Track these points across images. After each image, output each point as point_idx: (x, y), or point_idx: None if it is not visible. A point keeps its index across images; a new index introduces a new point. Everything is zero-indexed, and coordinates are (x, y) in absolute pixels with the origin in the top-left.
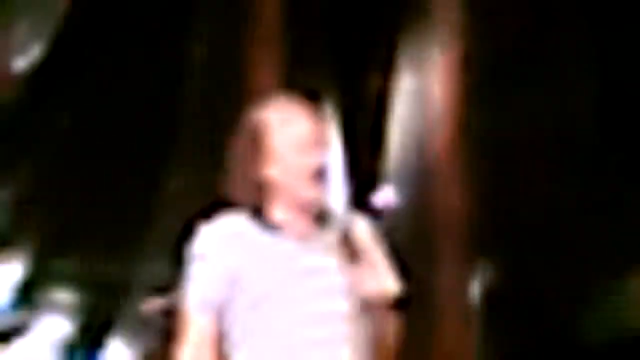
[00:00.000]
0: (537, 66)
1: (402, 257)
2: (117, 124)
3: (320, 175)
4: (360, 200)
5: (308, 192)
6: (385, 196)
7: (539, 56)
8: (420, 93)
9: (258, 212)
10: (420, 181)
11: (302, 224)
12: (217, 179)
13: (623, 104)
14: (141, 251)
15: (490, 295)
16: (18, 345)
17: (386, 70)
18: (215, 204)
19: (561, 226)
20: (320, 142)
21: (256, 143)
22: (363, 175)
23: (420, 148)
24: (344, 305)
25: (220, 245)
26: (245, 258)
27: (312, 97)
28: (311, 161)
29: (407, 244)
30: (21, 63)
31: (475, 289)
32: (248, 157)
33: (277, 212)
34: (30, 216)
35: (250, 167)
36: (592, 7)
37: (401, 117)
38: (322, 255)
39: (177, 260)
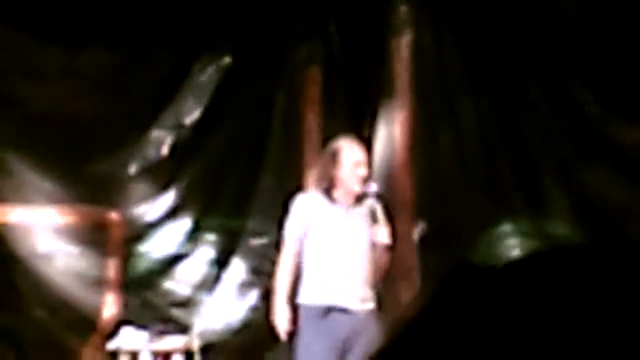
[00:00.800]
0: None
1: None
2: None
3: (362, 179)
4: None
5: (356, 187)
6: (373, 187)
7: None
8: (388, 136)
9: (327, 193)
10: (388, 181)
11: (349, 201)
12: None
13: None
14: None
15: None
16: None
17: (372, 123)
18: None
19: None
20: (363, 163)
21: (334, 157)
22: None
23: (389, 167)
24: (365, 246)
25: (306, 204)
26: (318, 213)
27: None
28: (359, 172)
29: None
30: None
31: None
32: (329, 164)
33: (337, 194)
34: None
35: (328, 169)
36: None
37: (379, 150)
38: (358, 219)
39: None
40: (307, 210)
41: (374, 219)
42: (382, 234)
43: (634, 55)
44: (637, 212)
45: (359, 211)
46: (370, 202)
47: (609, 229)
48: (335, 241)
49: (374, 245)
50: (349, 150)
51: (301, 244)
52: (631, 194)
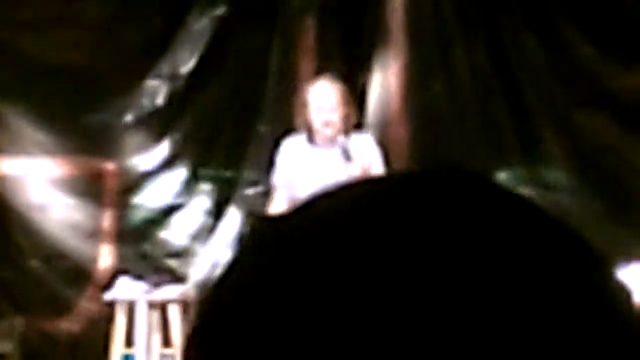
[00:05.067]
0: None
1: None
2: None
3: (325, 123)
4: None
5: (323, 130)
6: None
7: None
8: (383, 84)
9: (309, 136)
10: (383, 128)
11: (330, 143)
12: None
13: None
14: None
15: None
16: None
17: (367, 71)
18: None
19: None
20: (329, 108)
21: (303, 101)
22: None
23: (384, 115)
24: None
25: (288, 149)
26: (299, 157)
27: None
28: (322, 116)
29: None
30: None
31: None
32: (301, 107)
33: (317, 136)
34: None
35: (302, 112)
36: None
37: (374, 98)
38: (335, 160)
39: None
40: (289, 155)
41: (347, 156)
42: (354, 169)
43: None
44: (631, 157)
45: (335, 152)
46: (342, 140)
47: (603, 174)
48: (314, 184)
49: None
50: (314, 93)
51: (291, 189)
52: (625, 139)
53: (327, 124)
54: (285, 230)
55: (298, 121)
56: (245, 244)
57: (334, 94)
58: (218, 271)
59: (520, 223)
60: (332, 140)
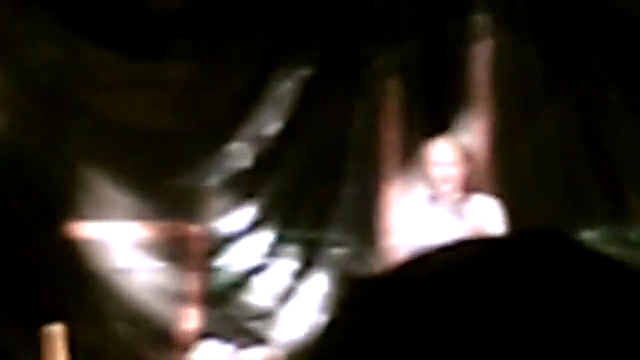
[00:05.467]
0: None
1: None
2: None
3: (444, 179)
4: None
5: (441, 186)
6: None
7: None
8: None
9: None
10: None
11: (452, 200)
12: None
13: None
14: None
15: None
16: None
17: (452, 133)
18: None
19: None
20: (446, 163)
21: (423, 158)
22: None
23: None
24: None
25: (413, 208)
26: (422, 214)
27: None
28: (440, 171)
29: None
30: None
31: None
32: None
33: (437, 194)
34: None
35: (424, 170)
36: None
37: None
38: (455, 216)
39: None
40: (409, 213)
41: (459, 215)
42: (465, 228)
43: None
44: None
45: (451, 210)
46: (457, 198)
47: None
48: (430, 241)
49: None
50: (434, 149)
51: (410, 247)
52: None
53: (445, 180)
54: (383, 291)
55: (420, 178)
56: (344, 305)
57: (453, 150)
58: (302, 333)
59: (612, 284)
60: (450, 198)
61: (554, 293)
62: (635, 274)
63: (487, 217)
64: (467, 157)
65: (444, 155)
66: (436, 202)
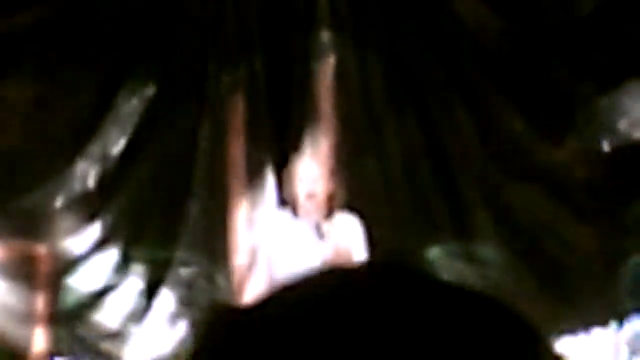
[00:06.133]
0: None
1: None
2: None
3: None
4: None
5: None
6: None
7: None
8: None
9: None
10: None
11: (316, 216)
12: None
13: None
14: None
15: None
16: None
17: (297, 150)
18: None
19: None
20: (310, 179)
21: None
22: None
23: None
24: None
25: (273, 223)
26: (283, 231)
27: None
28: (303, 188)
29: None
30: None
31: None
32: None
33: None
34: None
35: (284, 186)
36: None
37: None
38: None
39: None
40: (271, 229)
41: (320, 234)
42: (326, 249)
43: (560, 74)
44: (564, 232)
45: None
46: (317, 217)
47: (534, 249)
48: (291, 257)
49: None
50: (299, 166)
51: (270, 263)
52: (556, 213)
53: (310, 196)
54: (238, 334)
55: (284, 193)
56: (207, 337)
57: (317, 168)
58: (152, 352)
59: (455, 308)
60: (313, 215)
61: (389, 324)
62: (481, 296)
63: (348, 236)
64: (331, 173)
65: (309, 171)
66: (297, 219)
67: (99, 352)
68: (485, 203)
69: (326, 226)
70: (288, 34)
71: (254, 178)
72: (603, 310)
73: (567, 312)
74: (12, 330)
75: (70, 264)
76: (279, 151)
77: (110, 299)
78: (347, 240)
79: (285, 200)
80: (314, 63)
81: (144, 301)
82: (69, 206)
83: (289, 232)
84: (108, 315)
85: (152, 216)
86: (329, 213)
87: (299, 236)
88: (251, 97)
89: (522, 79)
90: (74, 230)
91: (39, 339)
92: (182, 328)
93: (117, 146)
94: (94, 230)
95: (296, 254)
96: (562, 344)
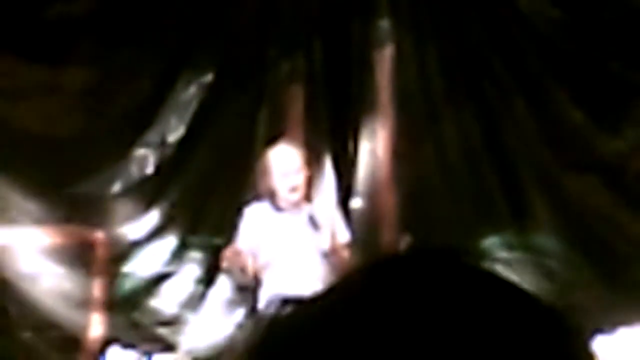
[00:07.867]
0: None
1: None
2: None
3: (292, 188)
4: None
5: (288, 196)
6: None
7: None
8: (372, 151)
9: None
10: (371, 195)
11: (295, 209)
12: None
13: None
14: None
15: None
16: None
17: (355, 139)
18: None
19: None
20: (292, 172)
21: (264, 168)
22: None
23: (372, 181)
24: (309, 252)
25: (252, 216)
26: (264, 224)
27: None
28: (288, 182)
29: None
30: None
31: None
32: (261, 175)
33: (281, 202)
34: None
35: (263, 181)
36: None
37: (362, 165)
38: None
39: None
40: (253, 221)
41: (314, 225)
42: (322, 237)
43: (617, 65)
44: (621, 222)
45: (302, 217)
46: (308, 208)
47: (592, 239)
48: (280, 249)
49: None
50: (276, 158)
51: (255, 255)
52: (614, 203)
53: (293, 189)
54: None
55: (260, 187)
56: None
57: (297, 157)
58: (209, 339)
59: (493, 301)
60: (297, 205)
61: (431, 316)
62: (519, 290)
63: (336, 222)
64: (307, 162)
65: (291, 162)
66: (281, 212)
67: (155, 339)
68: (543, 193)
69: (310, 215)
70: (347, 21)
71: (312, 166)
72: None
73: (624, 301)
74: (69, 316)
75: (127, 251)
76: (337, 139)
77: (167, 286)
78: (334, 226)
79: (261, 194)
80: (372, 51)
81: (200, 288)
82: (127, 193)
83: (270, 223)
84: (165, 302)
85: (209, 203)
86: (308, 199)
87: (282, 228)
88: (309, 84)
89: (580, 70)
90: (131, 216)
91: (96, 325)
92: (238, 315)
93: (176, 133)
94: (152, 217)
95: (289, 248)
96: (618, 337)
